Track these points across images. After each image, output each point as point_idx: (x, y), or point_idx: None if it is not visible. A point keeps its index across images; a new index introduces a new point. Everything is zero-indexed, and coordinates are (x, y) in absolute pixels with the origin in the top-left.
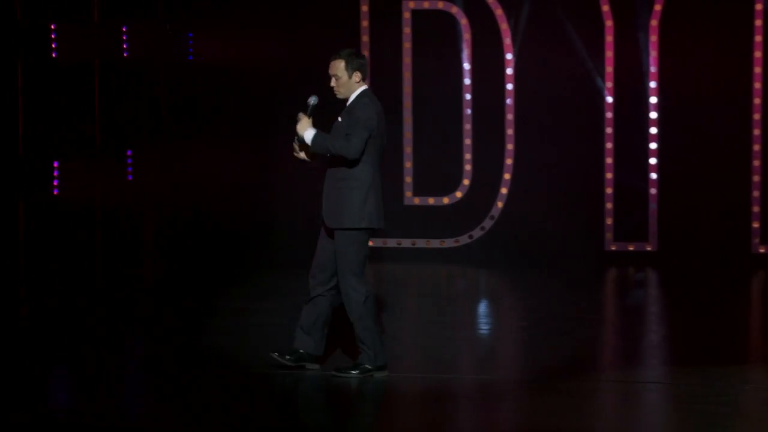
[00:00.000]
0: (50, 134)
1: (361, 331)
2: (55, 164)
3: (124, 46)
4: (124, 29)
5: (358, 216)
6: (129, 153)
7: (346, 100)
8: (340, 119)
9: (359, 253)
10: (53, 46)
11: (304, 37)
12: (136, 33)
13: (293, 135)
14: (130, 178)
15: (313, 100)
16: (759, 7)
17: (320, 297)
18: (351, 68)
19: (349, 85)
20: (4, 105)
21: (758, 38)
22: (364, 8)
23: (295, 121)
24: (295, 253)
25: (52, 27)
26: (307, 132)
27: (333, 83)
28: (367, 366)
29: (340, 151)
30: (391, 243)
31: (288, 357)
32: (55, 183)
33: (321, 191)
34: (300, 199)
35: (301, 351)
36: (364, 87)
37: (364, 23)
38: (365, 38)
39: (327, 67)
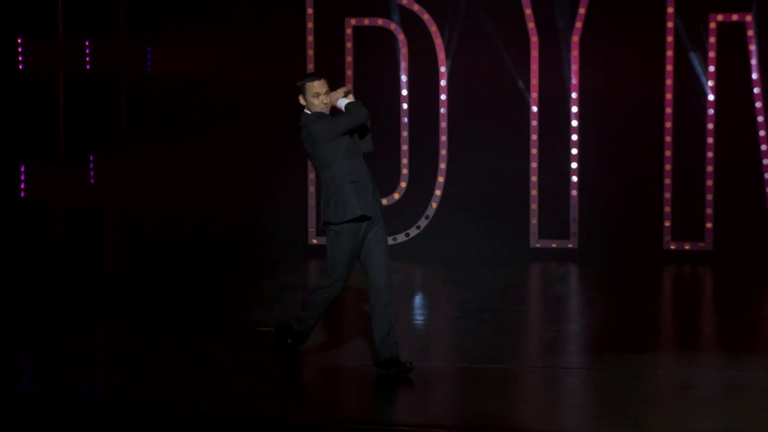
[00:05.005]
0: (17, 141)
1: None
2: (22, 168)
3: (87, 59)
4: (86, 43)
5: None
6: (91, 158)
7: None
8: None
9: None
10: (20, 58)
11: (253, 51)
12: (98, 47)
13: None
14: (92, 181)
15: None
16: (670, 24)
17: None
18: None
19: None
20: None
21: (670, 53)
22: (309, 25)
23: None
24: (259, 254)
25: (19, 41)
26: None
27: (326, 100)
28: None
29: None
30: None
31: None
32: (22, 186)
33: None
34: (252, 202)
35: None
36: None
37: (309, 39)
38: (310, 52)
39: (277, 79)
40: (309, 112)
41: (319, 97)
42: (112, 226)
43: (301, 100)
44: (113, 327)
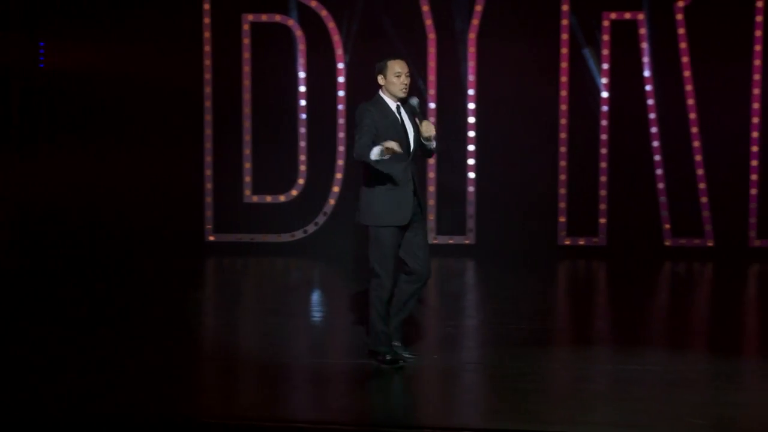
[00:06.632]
0: None
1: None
2: None
3: None
4: None
5: None
6: None
7: (401, 102)
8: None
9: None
10: None
11: (149, 47)
12: None
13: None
14: None
15: (415, 101)
16: (565, 22)
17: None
18: None
19: None
20: None
21: (564, 50)
22: (206, 20)
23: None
24: (133, 250)
25: None
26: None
27: (406, 80)
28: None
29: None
30: (232, 238)
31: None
32: None
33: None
34: (148, 198)
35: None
36: None
37: (206, 34)
38: (207, 48)
39: (174, 75)
40: (381, 95)
41: (400, 77)
42: (1, 222)
43: (380, 80)
44: None
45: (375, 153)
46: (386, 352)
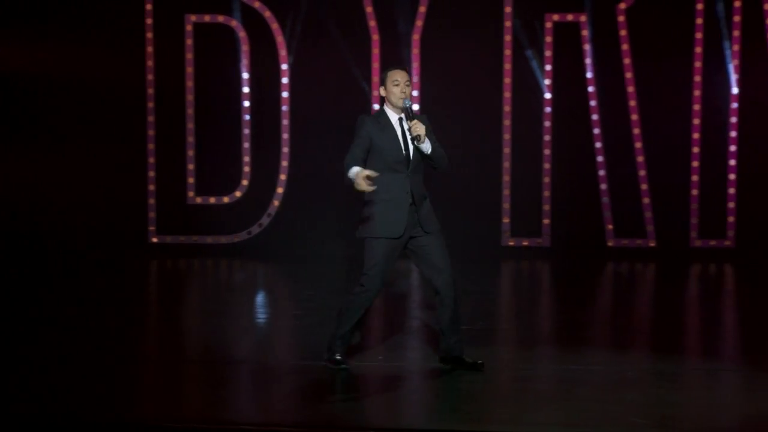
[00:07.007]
0: None
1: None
2: None
3: None
4: None
5: None
6: None
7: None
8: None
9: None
10: None
11: (92, 48)
12: None
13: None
14: None
15: (408, 103)
16: (508, 24)
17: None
18: None
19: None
20: None
21: (507, 52)
22: (149, 21)
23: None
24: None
25: None
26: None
27: (405, 89)
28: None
29: (445, 159)
30: (175, 239)
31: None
32: None
33: (393, 205)
34: (91, 200)
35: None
36: None
37: (149, 35)
38: (150, 49)
39: (117, 76)
40: (384, 108)
41: (398, 85)
42: None
43: (382, 92)
44: None
45: (352, 173)
46: (333, 355)
